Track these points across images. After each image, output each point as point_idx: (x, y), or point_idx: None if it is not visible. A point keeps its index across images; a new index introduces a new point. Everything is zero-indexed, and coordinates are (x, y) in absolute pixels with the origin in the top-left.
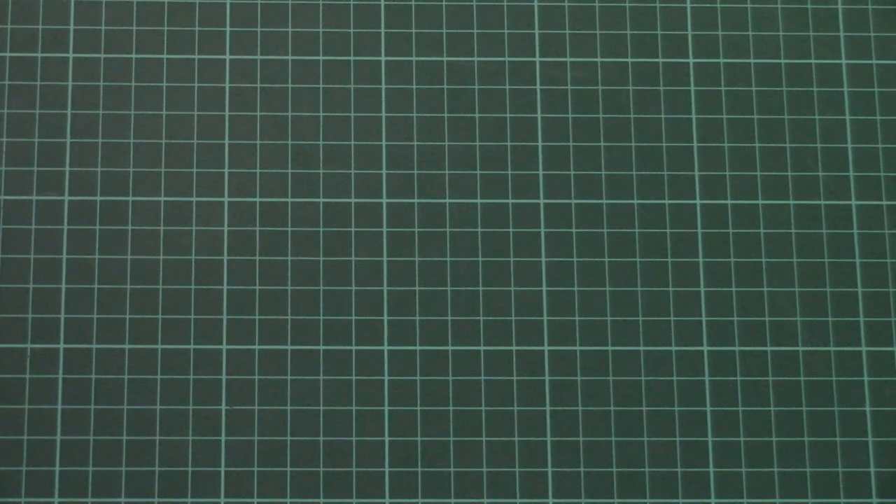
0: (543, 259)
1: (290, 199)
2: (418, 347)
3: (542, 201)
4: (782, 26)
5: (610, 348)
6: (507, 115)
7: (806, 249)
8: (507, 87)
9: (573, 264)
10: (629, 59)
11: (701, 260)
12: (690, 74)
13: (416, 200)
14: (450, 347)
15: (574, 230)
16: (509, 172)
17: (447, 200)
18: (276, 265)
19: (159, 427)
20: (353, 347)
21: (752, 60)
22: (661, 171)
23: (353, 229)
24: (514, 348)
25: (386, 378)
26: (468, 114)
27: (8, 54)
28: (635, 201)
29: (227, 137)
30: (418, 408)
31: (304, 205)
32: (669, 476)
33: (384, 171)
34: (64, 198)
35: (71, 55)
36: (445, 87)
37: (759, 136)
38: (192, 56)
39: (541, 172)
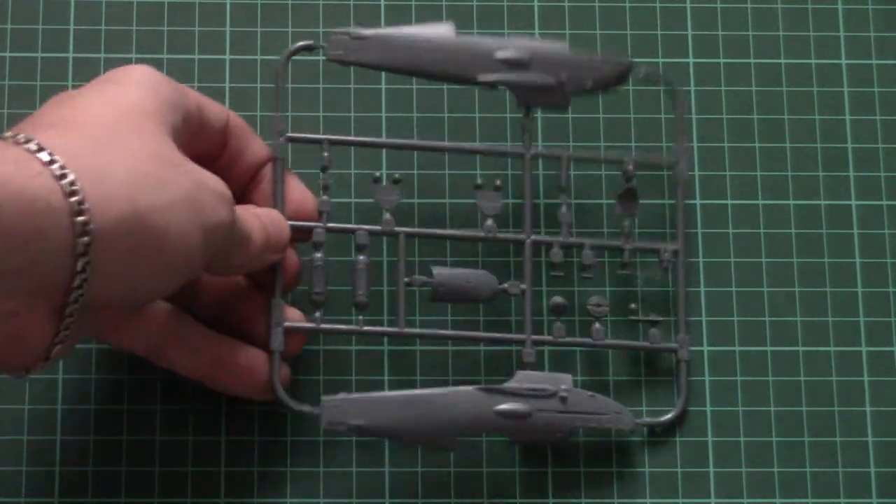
0: (543, 259)
1: None
2: (419, 347)
3: (542, 201)
4: (782, 26)
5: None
6: (507, 114)
7: (806, 249)
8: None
9: (574, 264)
10: (630, 60)
11: (702, 260)
12: (691, 74)
13: (416, 201)
14: (450, 348)
15: (574, 230)
16: (509, 172)
17: (447, 200)
18: None
19: (159, 427)
20: (354, 348)
21: (752, 60)
22: (662, 171)
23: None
24: (514, 348)
25: (386, 378)
26: (468, 114)
27: (8, 54)
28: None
29: None
30: None
31: None
32: (670, 476)
33: (384, 172)
34: None
35: (71, 55)
36: (445, 86)
37: (759, 136)
38: (192, 56)
39: (541, 172)
